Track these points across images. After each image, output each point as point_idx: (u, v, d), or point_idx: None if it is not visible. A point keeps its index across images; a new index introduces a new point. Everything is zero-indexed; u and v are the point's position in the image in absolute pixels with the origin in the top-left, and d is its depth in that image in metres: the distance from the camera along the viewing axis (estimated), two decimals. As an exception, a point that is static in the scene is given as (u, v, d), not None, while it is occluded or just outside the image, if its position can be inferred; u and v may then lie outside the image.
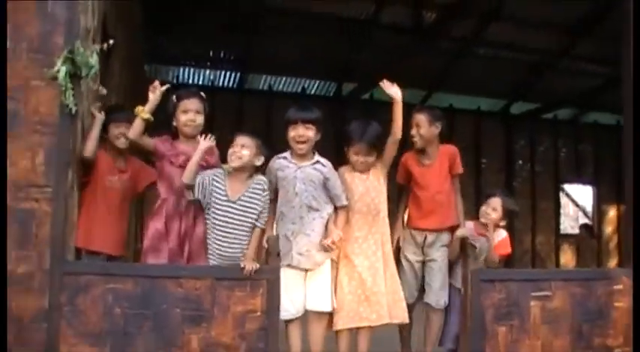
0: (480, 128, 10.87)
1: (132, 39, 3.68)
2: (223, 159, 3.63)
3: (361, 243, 3.70)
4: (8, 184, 3.06)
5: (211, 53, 9.38)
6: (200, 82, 9.90)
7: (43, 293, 3.07)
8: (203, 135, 3.50)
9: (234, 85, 10.03)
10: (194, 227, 3.53)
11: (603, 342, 4.07)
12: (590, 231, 11.14)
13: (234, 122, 8.94)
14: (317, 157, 3.65)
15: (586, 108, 11.37)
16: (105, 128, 3.59)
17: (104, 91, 3.25)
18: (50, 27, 3.16)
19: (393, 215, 4.06)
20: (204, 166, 3.55)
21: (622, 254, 11.34)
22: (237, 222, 3.46)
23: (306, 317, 3.58)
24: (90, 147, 3.42)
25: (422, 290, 4.07)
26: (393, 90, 3.80)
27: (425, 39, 8.36)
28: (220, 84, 9.97)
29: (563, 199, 12.15)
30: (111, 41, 3.18)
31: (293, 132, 3.57)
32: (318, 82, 10.30)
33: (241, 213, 3.47)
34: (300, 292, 3.51)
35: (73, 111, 3.12)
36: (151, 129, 3.55)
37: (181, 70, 9.72)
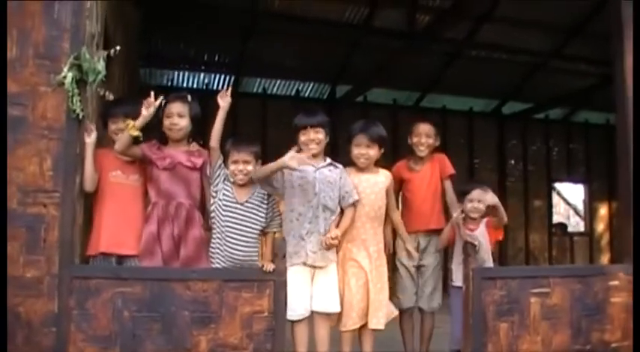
0: (473, 128, 10.97)
1: (130, 42, 3.70)
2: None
3: (368, 245, 3.77)
4: (16, 189, 3.08)
5: (206, 56, 9.42)
6: (194, 85, 9.93)
7: (52, 298, 3.09)
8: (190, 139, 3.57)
9: (228, 89, 10.04)
10: (187, 230, 3.54)
11: (601, 337, 4.14)
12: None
13: (229, 125, 8.97)
14: (329, 160, 3.75)
15: (577, 108, 11.52)
16: (104, 123, 3.57)
17: (111, 97, 3.28)
18: (56, 33, 3.19)
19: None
20: (190, 168, 3.60)
21: (614, 250, 11.51)
22: (247, 224, 3.53)
23: (310, 317, 3.63)
24: (89, 182, 3.38)
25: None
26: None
27: (418, 42, 8.44)
28: (215, 87, 9.98)
29: (555, 198, 12.28)
30: (117, 47, 3.21)
31: (304, 137, 3.67)
32: (312, 84, 10.34)
33: (250, 214, 3.54)
34: (307, 293, 3.56)
35: (80, 116, 3.15)
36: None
37: (175, 73, 9.74)
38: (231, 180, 3.56)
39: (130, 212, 3.59)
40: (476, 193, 4.15)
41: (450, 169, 4.35)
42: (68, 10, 3.21)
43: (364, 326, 3.71)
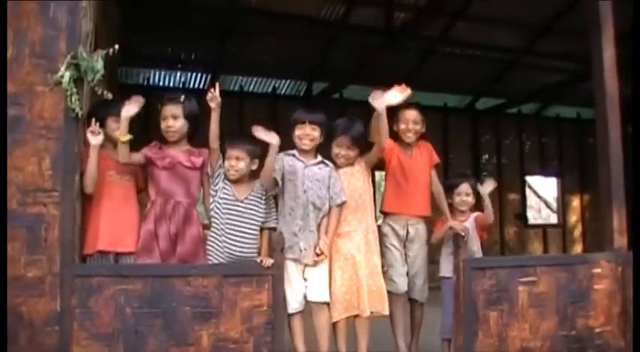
0: (448, 124, 11.13)
1: (112, 41, 3.70)
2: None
3: (353, 236, 3.85)
4: (16, 189, 3.08)
5: (182, 55, 9.39)
6: (171, 84, 9.89)
7: (54, 297, 3.10)
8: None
9: (205, 87, 10.04)
10: (185, 228, 3.58)
11: (586, 323, 4.29)
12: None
13: (207, 123, 8.98)
14: (320, 157, 3.81)
15: (548, 103, 11.78)
16: (101, 122, 3.54)
17: (110, 95, 3.28)
18: (52, 32, 3.20)
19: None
20: (189, 168, 3.64)
21: (586, 241, 11.82)
22: (246, 221, 3.60)
23: (307, 309, 3.71)
24: (91, 183, 3.42)
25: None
26: (378, 102, 3.79)
27: (395, 39, 8.56)
28: (192, 85, 9.96)
29: (527, 191, 12.54)
30: (116, 46, 3.22)
31: (299, 131, 3.73)
32: (288, 81, 10.39)
33: (249, 211, 3.61)
34: (301, 285, 3.66)
35: (80, 115, 3.16)
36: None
37: (152, 72, 9.69)
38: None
39: (126, 211, 3.64)
40: (464, 187, 4.26)
41: (437, 158, 4.39)
42: (64, 9, 3.22)
43: (358, 317, 3.78)
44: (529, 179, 12.53)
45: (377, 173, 8.96)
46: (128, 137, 3.45)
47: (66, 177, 3.16)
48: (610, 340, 4.37)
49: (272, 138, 3.49)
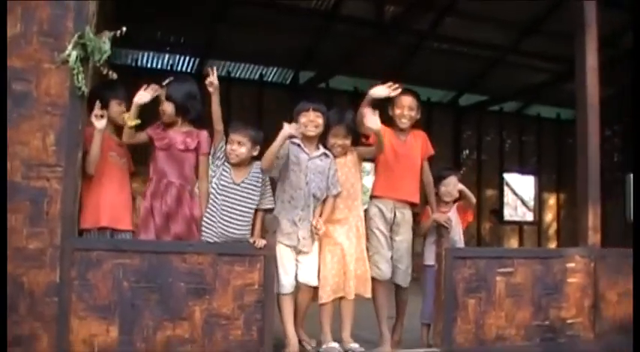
0: (431, 118, 11.30)
1: (105, 22, 3.76)
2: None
3: (343, 224, 3.99)
4: (20, 163, 3.16)
5: (171, 38, 9.41)
6: (159, 66, 9.91)
7: (54, 268, 3.19)
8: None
9: (193, 71, 10.07)
10: (178, 208, 3.70)
11: (558, 314, 4.51)
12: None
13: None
14: (322, 148, 3.95)
15: (530, 102, 12.03)
16: (105, 104, 3.62)
17: (114, 76, 3.35)
18: (60, 11, 3.27)
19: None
20: (182, 150, 3.76)
21: (560, 238, 12.12)
22: (242, 203, 3.72)
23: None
24: (93, 165, 3.53)
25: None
26: (373, 121, 3.89)
27: (384, 32, 8.69)
28: (179, 69, 10.00)
29: (505, 188, 12.80)
30: (124, 29, 3.30)
31: (304, 119, 3.86)
32: (275, 69, 10.47)
33: (245, 194, 3.74)
34: (293, 268, 3.80)
35: (85, 93, 3.25)
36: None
37: (140, 53, 9.69)
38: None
39: (124, 191, 3.78)
40: (451, 179, 4.43)
41: (431, 150, 4.45)
42: (72, -11, 3.30)
43: (344, 298, 3.93)
44: (507, 176, 12.78)
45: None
46: (136, 122, 3.58)
47: (69, 153, 3.25)
48: (580, 331, 4.60)
49: (289, 131, 3.65)
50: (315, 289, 3.91)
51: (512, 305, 4.33)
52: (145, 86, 3.60)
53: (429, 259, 4.37)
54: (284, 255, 3.76)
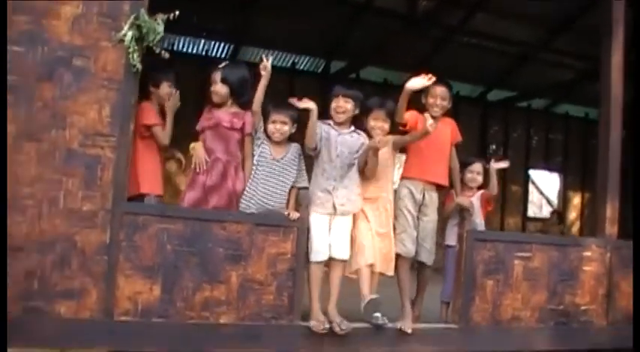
0: (458, 112, 11.42)
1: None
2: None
3: (372, 202, 4.21)
4: (78, 132, 3.46)
5: (207, 24, 9.67)
6: (194, 51, 10.19)
7: (104, 230, 3.49)
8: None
9: (227, 57, 10.34)
10: (222, 182, 3.97)
11: (573, 300, 4.71)
12: (560, 217, 11.86)
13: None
14: (352, 127, 4.20)
15: (558, 100, 12.09)
16: (156, 84, 4.04)
17: (167, 55, 3.62)
18: (118, -6, 3.56)
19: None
20: (228, 128, 4.03)
21: (582, 236, 12.15)
22: (281, 178, 4.02)
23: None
24: (169, 137, 4.07)
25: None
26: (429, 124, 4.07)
27: (416, 25, 8.87)
28: (214, 54, 10.27)
29: (530, 185, 12.88)
30: (177, 12, 3.57)
31: (335, 104, 4.10)
32: (307, 58, 10.68)
33: (283, 170, 4.03)
34: (327, 238, 4.01)
35: (139, 70, 3.53)
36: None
37: (177, 38, 9.99)
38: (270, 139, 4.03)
39: (159, 160, 4.20)
40: (477, 166, 4.65)
41: (459, 137, 4.70)
42: (128, -25, 3.58)
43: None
44: (532, 173, 12.86)
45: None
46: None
47: (123, 125, 3.54)
48: (593, 318, 4.80)
49: (310, 105, 3.89)
50: (345, 264, 4.11)
51: (529, 289, 4.53)
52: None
53: (451, 239, 4.60)
54: (318, 223, 3.98)
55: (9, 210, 3.26)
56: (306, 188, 4.11)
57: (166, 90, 4.10)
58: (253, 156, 4.04)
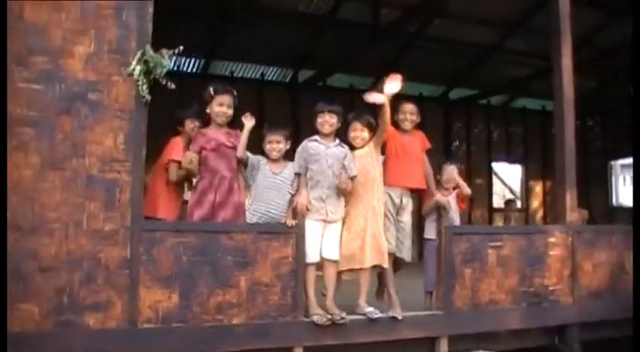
0: (423, 112, 11.92)
1: None
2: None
3: (359, 204, 4.65)
4: (96, 159, 3.81)
5: (179, 40, 9.94)
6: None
7: (125, 246, 3.84)
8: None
9: (198, 71, 10.66)
10: (229, 197, 4.38)
11: (542, 282, 5.26)
12: (514, 205, 12.49)
13: (200, 105, 9.63)
14: (337, 141, 4.63)
15: (515, 95, 12.78)
16: (180, 121, 4.82)
17: (173, 86, 3.99)
18: (125, 33, 3.92)
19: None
20: (230, 147, 4.45)
21: (546, 223, 12.84)
22: (282, 191, 4.46)
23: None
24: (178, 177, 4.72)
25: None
26: (378, 97, 4.60)
27: (380, 34, 9.35)
28: (186, 70, 10.58)
29: (494, 178, 13.52)
30: (181, 47, 3.96)
31: (321, 119, 4.53)
32: (276, 68, 11.08)
33: (283, 183, 4.47)
34: (319, 243, 4.45)
35: (148, 101, 3.91)
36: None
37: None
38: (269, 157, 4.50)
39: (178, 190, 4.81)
40: (451, 168, 5.16)
41: (428, 144, 5.23)
42: (134, 14, 3.95)
43: (362, 270, 4.58)
44: (495, 165, 13.48)
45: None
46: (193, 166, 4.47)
47: (136, 151, 3.90)
48: (560, 296, 5.36)
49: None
50: (337, 263, 4.55)
51: (502, 274, 5.06)
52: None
53: (430, 234, 5.11)
54: (312, 230, 4.40)
55: (38, 234, 3.63)
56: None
57: (190, 126, 4.72)
58: (253, 176, 4.49)
